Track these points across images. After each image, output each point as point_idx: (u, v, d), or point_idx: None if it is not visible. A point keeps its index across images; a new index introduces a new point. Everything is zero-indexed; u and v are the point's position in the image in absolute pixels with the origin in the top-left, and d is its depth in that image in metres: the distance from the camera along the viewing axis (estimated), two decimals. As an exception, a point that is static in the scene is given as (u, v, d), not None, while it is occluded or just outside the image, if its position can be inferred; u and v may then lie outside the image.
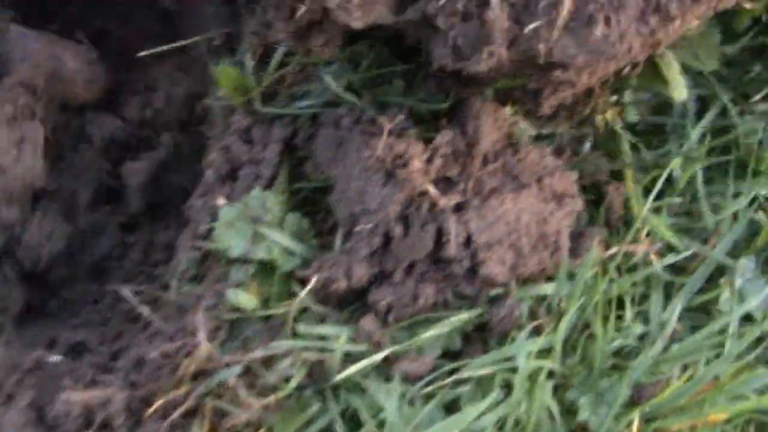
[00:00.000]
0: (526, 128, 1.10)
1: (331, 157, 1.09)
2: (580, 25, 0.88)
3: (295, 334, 1.05)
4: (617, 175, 1.14)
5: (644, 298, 1.11)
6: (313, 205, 1.13)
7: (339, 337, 1.02)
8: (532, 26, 0.87)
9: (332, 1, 0.89)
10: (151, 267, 1.29)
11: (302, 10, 0.92)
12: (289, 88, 1.13)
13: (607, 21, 0.88)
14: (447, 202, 1.01)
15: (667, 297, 1.11)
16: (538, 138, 1.12)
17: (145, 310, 1.12)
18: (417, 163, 1.01)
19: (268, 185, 1.11)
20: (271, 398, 1.01)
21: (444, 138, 1.03)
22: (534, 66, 0.92)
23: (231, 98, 1.14)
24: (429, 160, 1.03)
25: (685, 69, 1.12)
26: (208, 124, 1.27)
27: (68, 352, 1.20)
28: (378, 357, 1.00)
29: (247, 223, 1.09)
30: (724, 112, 1.17)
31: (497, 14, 0.87)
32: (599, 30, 0.88)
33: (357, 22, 0.90)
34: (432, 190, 1.01)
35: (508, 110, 1.08)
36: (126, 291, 1.16)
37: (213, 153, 1.17)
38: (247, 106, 1.13)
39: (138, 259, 1.32)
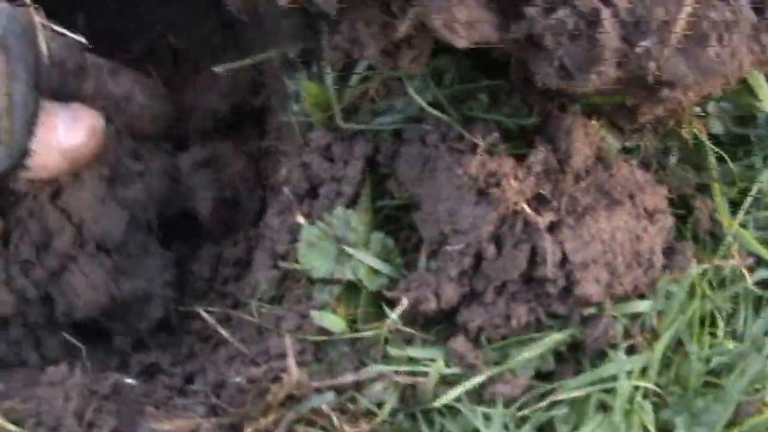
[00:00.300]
0: (612, 142, 1.09)
1: (416, 175, 1.07)
2: (693, 44, 0.86)
3: (384, 357, 1.03)
4: (703, 188, 1.13)
5: (732, 314, 1.10)
6: (395, 223, 1.11)
7: (432, 359, 1.01)
8: (643, 45, 0.85)
9: (437, 20, 0.86)
10: (220, 284, 1.27)
11: (402, 27, 0.90)
12: (371, 103, 1.11)
13: (720, 39, 0.86)
14: (542, 220, 0.99)
15: (756, 312, 1.10)
16: (623, 151, 1.11)
17: (224, 332, 1.10)
18: (512, 182, 0.99)
19: (351, 203, 1.09)
20: (365, 425, 0.99)
21: (538, 155, 1.01)
22: (640, 85, 0.90)
23: (310, 114, 1.12)
24: (522, 178, 1.01)
25: (768, 78, 1.11)
26: (281, 140, 1.25)
27: (140, 374, 1.18)
28: (475, 381, 0.99)
29: (330, 243, 1.07)
30: (809, 123, 1.16)
31: (608, 33, 0.85)
32: (712, 49, 0.86)
33: (461, 42, 0.88)
34: (527, 209, 0.99)
35: (595, 124, 1.07)
36: (201, 311, 1.14)
37: (287, 169, 1.15)
38: (327, 122, 1.11)
39: (207, 277, 1.30)
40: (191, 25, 1.46)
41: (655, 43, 0.86)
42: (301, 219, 1.09)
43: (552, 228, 1.01)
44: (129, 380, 1.13)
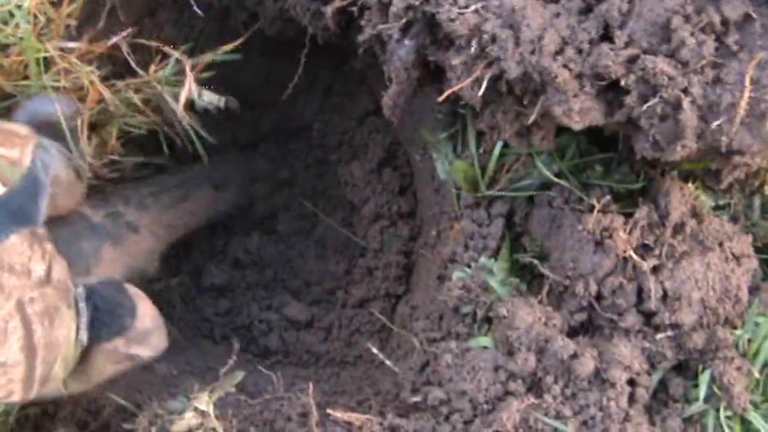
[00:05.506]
0: (705, 201, 1.43)
1: (545, 232, 1.44)
2: (754, 120, 1.20)
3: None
4: (783, 239, 1.47)
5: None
6: (529, 272, 1.48)
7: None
8: (716, 123, 1.20)
9: (558, 110, 1.23)
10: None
11: (532, 116, 1.28)
12: (507, 173, 1.49)
13: (776, 115, 1.21)
14: (647, 264, 1.34)
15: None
16: (716, 208, 1.45)
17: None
18: (621, 234, 1.35)
19: (493, 255, 1.47)
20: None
21: (642, 213, 1.37)
22: (717, 153, 1.25)
23: (458, 185, 1.50)
24: (630, 231, 1.36)
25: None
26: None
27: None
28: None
29: (472, 285, 1.45)
30: None
31: (689, 115, 1.20)
32: (770, 123, 1.21)
33: (577, 125, 1.24)
34: (634, 255, 1.35)
35: (690, 186, 1.42)
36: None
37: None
38: (473, 191, 1.49)
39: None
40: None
41: (726, 121, 1.20)
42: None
43: (655, 270, 1.36)
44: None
